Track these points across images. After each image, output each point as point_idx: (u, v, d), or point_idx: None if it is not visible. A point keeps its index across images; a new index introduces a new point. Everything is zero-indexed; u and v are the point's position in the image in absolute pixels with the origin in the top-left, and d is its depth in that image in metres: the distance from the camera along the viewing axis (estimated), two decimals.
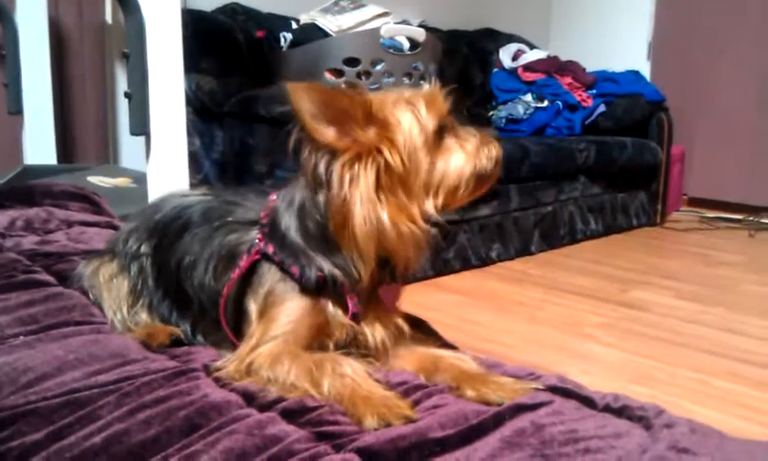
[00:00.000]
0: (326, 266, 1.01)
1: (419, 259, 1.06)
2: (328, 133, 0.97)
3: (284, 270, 1.03)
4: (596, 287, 3.06)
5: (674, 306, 2.82)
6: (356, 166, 0.97)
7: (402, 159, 0.99)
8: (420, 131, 1.01)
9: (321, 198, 1.00)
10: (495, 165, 1.09)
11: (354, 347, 1.05)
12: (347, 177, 0.97)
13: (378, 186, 0.98)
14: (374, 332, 1.05)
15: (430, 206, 1.02)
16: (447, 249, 3.15)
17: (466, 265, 3.25)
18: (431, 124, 1.02)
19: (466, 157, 1.05)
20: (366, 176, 0.97)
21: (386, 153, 0.98)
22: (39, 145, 2.88)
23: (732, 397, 2.00)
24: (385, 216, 0.98)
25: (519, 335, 2.45)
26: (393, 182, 0.99)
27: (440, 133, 1.03)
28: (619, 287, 3.07)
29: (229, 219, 1.13)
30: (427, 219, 1.02)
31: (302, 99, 0.95)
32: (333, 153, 0.97)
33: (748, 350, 2.36)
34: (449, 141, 1.05)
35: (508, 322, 2.60)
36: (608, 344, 2.38)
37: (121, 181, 2.64)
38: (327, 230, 1.00)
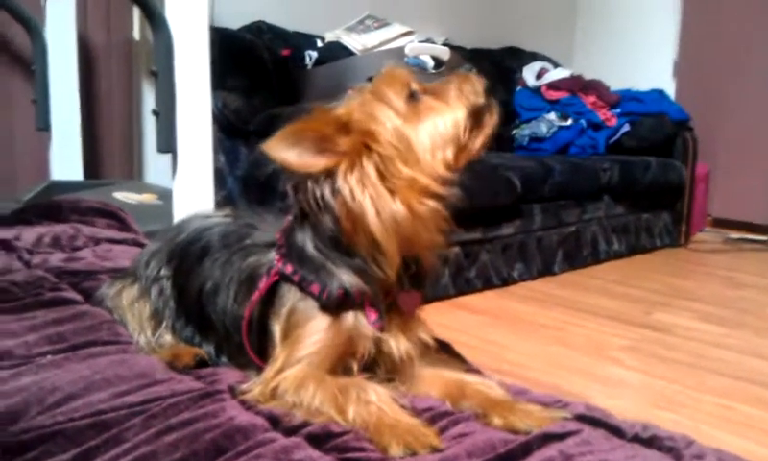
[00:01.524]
0: (347, 278, 1.01)
1: (442, 241, 1.05)
2: (318, 161, 0.98)
3: (304, 289, 1.03)
4: (620, 309, 3.03)
5: (698, 329, 2.79)
6: (355, 171, 0.98)
7: (389, 142, 0.99)
8: (391, 109, 1.01)
9: (329, 215, 1.00)
10: (486, 95, 1.07)
11: (379, 363, 1.05)
12: (353, 182, 0.98)
13: (383, 178, 0.99)
14: (399, 344, 1.04)
15: (439, 166, 1.01)
16: (469, 268, 3.14)
17: (487, 285, 3.24)
18: (399, 97, 1.02)
19: (449, 105, 1.04)
20: (366, 173, 0.98)
21: (373, 145, 0.99)
22: (66, 161, 2.92)
23: (756, 423, 1.97)
24: (397, 206, 0.98)
25: (542, 357, 2.43)
26: (393, 167, 0.99)
27: (413, 101, 1.03)
28: (643, 309, 3.04)
29: (248, 242, 1.14)
30: (443, 181, 1.01)
31: (281, 150, 0.97)
32: (330, 174, 0.99)
33: None
34: (428, 102, 1.04)
35: (530, 343, 2.58)
36: (631, 367, 2.36)
37: (146, 198, 2.66)
38: (341, 240, 1.01)
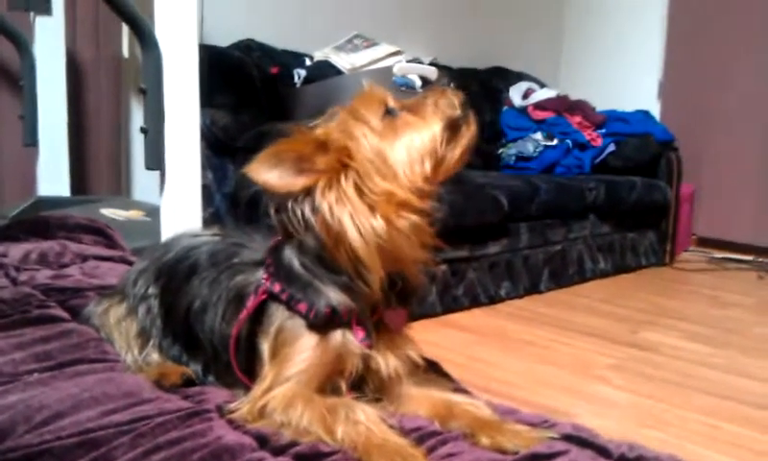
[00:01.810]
0: (335, 296, 1.02)
1: (426, 256, 1.06)
2: (298, 181, 1.00)
3: (291, 308, 1.04)
4: (606, 327, 3.04)
5: (684, 348, 2.80)
6: (333, 188, 1.00)
7: (365, 158, 1.01)
8: (366, 127, 1.02)
9: (312, 234, 1.02)
10: (462, 107, 1.09)
11: (367, 381, 1.05)
12: (331, 199, 0.99)
13: (362, 194, 1.00)
14: (387, 361, 1.05)
15: (417, 179, 1.02)
16: (456, 286, 3.15)
17: (474, 303, 3.24)
18: (374, 115, 1.04)
19: (425, 119, 1.06)
20: (344, 190, 1.00)
21: (349, 162, 1.01)
22: (53, 177, 2.91)
23: (742, 442, 1.98)
24: (377, 221, 0.99)
25: (528, 375, 2.44)
26: (371, 182, 1.00)
27: (390, 117, 1.04)
28: (629, 328, 3.05)
29: (236, 261, 1.15)
30: (421, 194, 1.02)
31: (263, 172, 0.99)
32: (309, 192, 1.00)
33: (758, 393, 2.34)
34: (404, 118, 1.06)
35: (517, 361, 2.59)
36: (618, 386, 2.36)
37: (134, 214, 2.65)
38: (326, 257, 1.02)
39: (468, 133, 1.09)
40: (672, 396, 2.28)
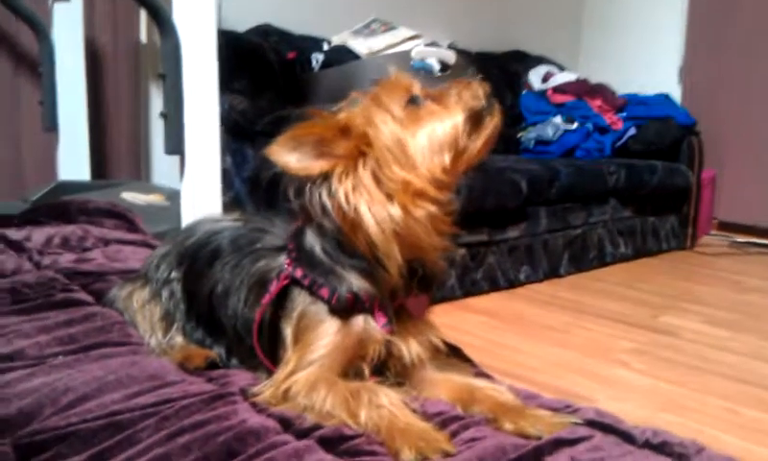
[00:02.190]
0: (356, 282, 1.02)
1: (444, 245, 1.06)
2: (317, 165, 1.00)
3: (314, 293, 1.04)
4: (626, 312, 3.03)
5: (704, 333, 2.79)
6: (350, 174, 1.00)
7: (384, 146, 1.00)
8: (388, 114, 1.02)
9: (330, 218, 1.01)
10: (487, 99, 1.07)
11: (389, 366, 1.05)
12: (348, 186, 0.99)
13: (379, 182, 1.00)
14: (409, 347, 1.05)
15: (436, 169, 1.01)
16: (476, 270, 3.14)
17: (494, 287, 3.24)
18: (397, 102, 1.03)
19: (448, 109, 1.04)
20: (361, 177, 1.00)
21: (366, 150, 1.01)
22: (73, 161, 2.93)
23: (761, 426, 1.97)
24: (394, 209, 0.99)
25: (548, 359, 2.44)
26: (389, 170, 1.00)
27: (414, 106, 1.04)
28: (649, 312, 3.04)
29: (258, 246, 1.15)
30: (439, 185, 1.02)
31: (284, 154, 0.99)
32: (327, 177, 1.00)
33: None
34: (428, 107, 1.05)
35: (536, 345, 2.58)
36: (638, 370, 2.36)
37: (154, 198, 2.67)
38: (346, 243, 1.02)
39: (492, 126, 1.07)
40: (692, 380, 2.27)
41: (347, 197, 0.99)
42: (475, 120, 1.06)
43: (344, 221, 1.00)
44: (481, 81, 1.09)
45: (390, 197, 0.99)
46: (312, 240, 1.05)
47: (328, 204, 1.00)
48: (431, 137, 1.02)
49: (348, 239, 1.01)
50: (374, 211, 0.99)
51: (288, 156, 0.99)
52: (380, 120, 1.02)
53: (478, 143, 1.06)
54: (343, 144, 1.01)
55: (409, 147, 1.01)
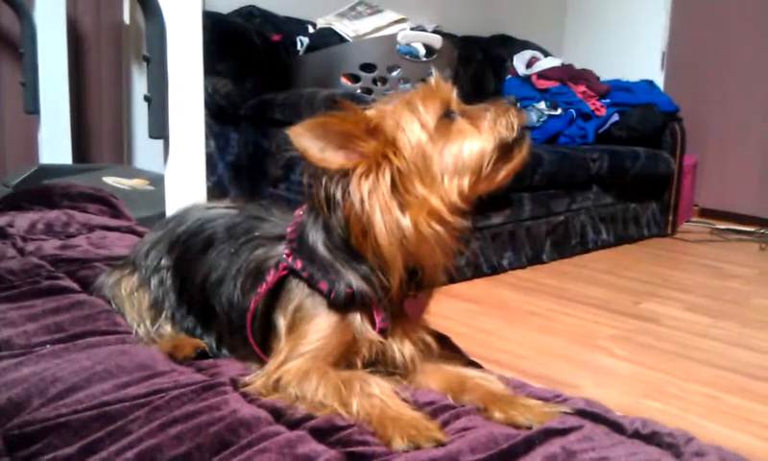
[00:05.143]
0: (355, 281, 1.01)
1: (448, 263, 1.05)
2: (338, 159, 0.98)
3: (312, 286, 1.03)
4: (608, 298, 3.05)
5: (685, 319, 2.82)
6: (370, 177, 0.98)
7: (409, 157, 0.99)
8: (420, 125, 1.00)
9: (338, 215, 1.00)
10: (520, 131, 1.06)
11: (382, 364, 1.05)
12: (364, 189, 0.97)
13: (396, 190, 0.98)
14: (403, 349, 1.05)
15: (453, 192, 1.00)
16: (459, 256, 3.15)
17: (477, 273, 3.25)
18: (431, 115, 1.01)
19: (480, 133, 1.03)
20: (380, 183, 0.98)
21: (392, 156, 0.99)
22: (55, 145, 2.89)
23: (743, 413, 2.00)
24: (406, 221, 0.98)
25: (531, 346, 2.45)
26: (408, 182, 0.99)
27: (447, 120, 1.03)
28: (631, 299, 3.06)
29: (256, 234, 1.13)
30: (454, 209, 1.01)
31: (306, 139, 0.97)
32: (345, 174, 0.98)
33: (758, 365, 2.36)
34: (460, 124, 1.04)
35: (519, 332, 2.60)
36: (620, 357, 2.38)
37: (137, 183, 2.64)
38: (351, 243, 1.01)
39: (518, 159, 1.06)
40: (674, 367, 2.30)
41: (361, 200, 0.97)
42: (504, 150, 1.05)
43: (353, 222, 0.98)
44: (519, 110, 1.08)
45: (403, 208, 0.98)
46: (315, 234, 1.04)
47: (341, 201, 0.99)
48: (456, 158, 1.01)
49: (353, 239, 1.00)
50: (386, 220, 0.97)
51: (310, 142, 0.97)
52: (410, 128, 1.00)
53: (501, 174, 1.05)
54: (369, 144, 0.99)
55: (434, 164, 1.00)
